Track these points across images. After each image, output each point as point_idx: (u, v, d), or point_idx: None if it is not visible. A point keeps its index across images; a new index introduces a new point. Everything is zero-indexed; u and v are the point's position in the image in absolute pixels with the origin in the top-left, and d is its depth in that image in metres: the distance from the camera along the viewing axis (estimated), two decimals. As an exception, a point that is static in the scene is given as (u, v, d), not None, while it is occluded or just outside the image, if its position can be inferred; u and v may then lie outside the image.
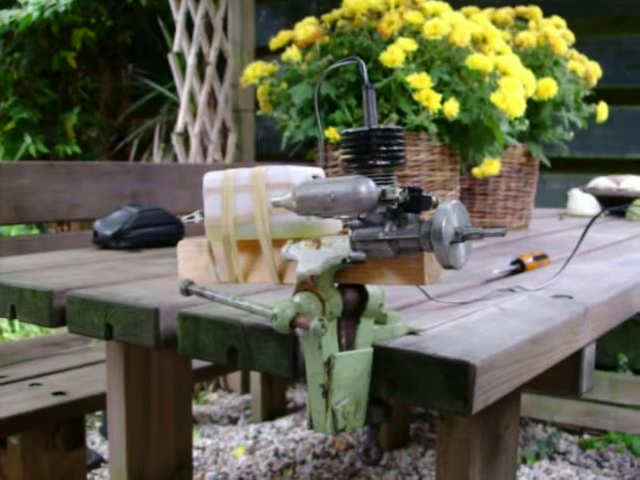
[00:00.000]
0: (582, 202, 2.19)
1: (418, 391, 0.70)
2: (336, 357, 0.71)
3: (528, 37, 1.74)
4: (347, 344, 0.73)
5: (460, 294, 0.99)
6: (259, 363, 0.80)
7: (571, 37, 1.84)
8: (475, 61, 1.46)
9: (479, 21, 1.60)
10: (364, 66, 0.71)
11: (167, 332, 0.90)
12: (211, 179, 0.87)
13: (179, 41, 2.90)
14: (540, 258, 1.19)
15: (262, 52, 2.92)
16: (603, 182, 2.21)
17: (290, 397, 2.89)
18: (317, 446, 2.46)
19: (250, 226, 0.83)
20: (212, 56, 2.95)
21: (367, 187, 0.68)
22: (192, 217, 0.91)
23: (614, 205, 2.12)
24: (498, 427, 0.97)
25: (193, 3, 2.92)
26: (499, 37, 1.58)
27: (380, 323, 0.76)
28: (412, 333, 0.77)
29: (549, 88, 1.65)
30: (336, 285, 0.73)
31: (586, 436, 2.53)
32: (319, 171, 0.83)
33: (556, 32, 1.76)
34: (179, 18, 2.90)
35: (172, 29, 3.03)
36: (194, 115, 2.94)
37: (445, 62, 1.50)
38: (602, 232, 1.75)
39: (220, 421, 2.71)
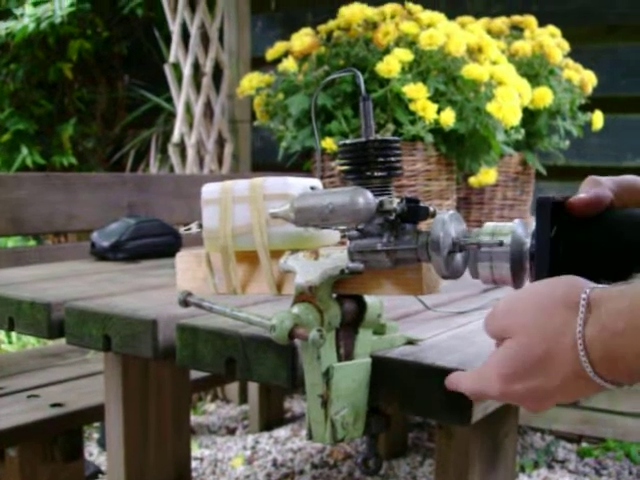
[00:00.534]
0: (578, 210, 2.19)
1: (417, 401, 0.70)
2: (335, 367, 0.71)
3: (523, 46, 1.75)
4: (346, 354, 0.73)
5: (458, 304, 0.99)
6: (257, 374, 0.80)
7: (566, 46, 1.85)
8: (471, 71, 1.46)
9: (474, 31, 1.61)
10: (361, 77, 0.71)
11: (165, 343, 0.91)
12: (209, 190, 0.87)
13: (175, 52, 2.91)
14: (537, 267, 1.19)
15: (258, 63, 2.92)
16: (599, 190, 2.21)
17: (288, 407, 2.89)
18: (315, 456, 2.46)
19: (248, 237, 0.83)
20: (208, 67, 2.95)
21: (365, 198, 0.68)
22: (189, 228, 0.91)
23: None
24: (497, 436, 0.97)
25: (189, 14, 2.93)
26: (494, 47, 1.59)
27: (378, 333, 0.76)
28: (410, 343, 0.78)
29: (544, 97, 1.66)
30: (334, 296, 0.73)
31: (584, 444, 2.53)
32: (317, 182, 0.83)
33: (551, 41, 1.77)
34: (175, 29, 2.91)
35: (168, 40, 3.04)
36: (190, 126, 2.94)
37: (441, 72, 1.51)
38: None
39: (218, 431, 2.71)
